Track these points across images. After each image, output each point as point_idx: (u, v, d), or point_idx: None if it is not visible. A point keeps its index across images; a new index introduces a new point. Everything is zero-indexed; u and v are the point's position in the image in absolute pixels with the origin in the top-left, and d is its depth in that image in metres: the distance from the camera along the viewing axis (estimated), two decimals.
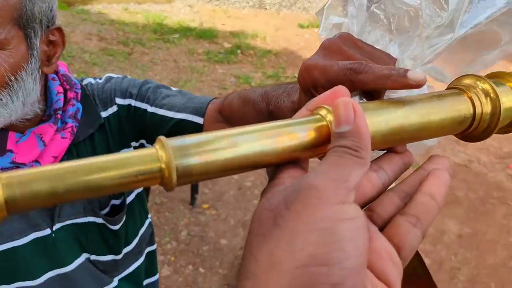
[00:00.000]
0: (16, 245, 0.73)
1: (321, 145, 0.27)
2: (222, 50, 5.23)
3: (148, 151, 0.24)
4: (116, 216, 0.81)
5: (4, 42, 0.62)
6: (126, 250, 0.85)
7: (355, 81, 0.35)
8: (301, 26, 6.67)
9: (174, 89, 0.84)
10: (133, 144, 0.83)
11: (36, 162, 0.71)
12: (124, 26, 5.58)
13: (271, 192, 0.25)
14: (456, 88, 0.34)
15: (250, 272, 0.22)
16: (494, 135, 0.35)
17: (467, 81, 0.34)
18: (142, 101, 0.80)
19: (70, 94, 0.76)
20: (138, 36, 5.28)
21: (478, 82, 0.34)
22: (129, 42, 4.98)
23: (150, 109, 0.79)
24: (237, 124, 0.70)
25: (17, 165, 0.69)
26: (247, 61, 5.07)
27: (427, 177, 0.29)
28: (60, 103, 0.74)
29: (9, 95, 0.64)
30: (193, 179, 0.25)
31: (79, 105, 0.77)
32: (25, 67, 0.65)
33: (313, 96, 0.39)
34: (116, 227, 0.82)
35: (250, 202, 2.66)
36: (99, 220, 0.79)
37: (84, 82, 0.82)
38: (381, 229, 0.28)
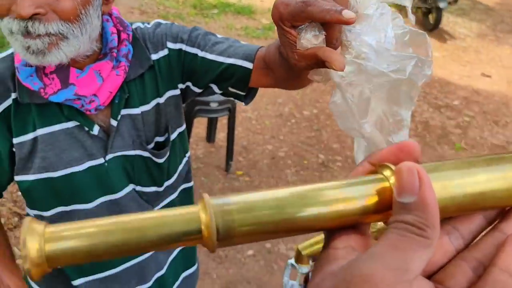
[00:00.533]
0: (73, 171, 0.81)
1: (384, 210, 0.24)
2: (260, 26, 5.24)
3: (190, 209, 0.23)
4: (161, 150, 0.88)
5: None
6: (167, 183, 0.92)
7: (305, 12, 0.45)
8: None
9: (220, 36, 0.89)
10: (180, 86, 0.89)
11: (95, 96, 0.79)
12: (165, 1, 5.67)
13: (322, 274, 0.22)
14: None
15: None
16: None
17: None
18: (192, 46, 0.85)
19: (123, 35, 0.83)
20: (178, 11, 5.37)
21: None
22: (169, 16, 5.08)
23: (201, 53, 0.84)
24: (274, 70, 0.76)
25: (78, 97, 0.77)
26: None
27: (504, 246, 0.23)
28: (115, 43, 0.81)
29: (79, 27, 0.71)
30: (234, 242, 0.23)
31: (130, 47, 0.84)
32: (92, 2, 0.72)
33: (282, 30, 0.49)
34: (161, 160, 0.89)
35: (282, 171, 2.72)
36: (146, 154, 0.87)
37: (133, 26, 0.89)
38: None
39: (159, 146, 0.89)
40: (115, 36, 0.82)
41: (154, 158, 0.88)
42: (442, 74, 4.70)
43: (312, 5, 0.45)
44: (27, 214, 0.85)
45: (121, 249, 0.22)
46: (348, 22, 0.44)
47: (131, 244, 0.22)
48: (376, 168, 0.25)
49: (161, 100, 0.87)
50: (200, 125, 2.96)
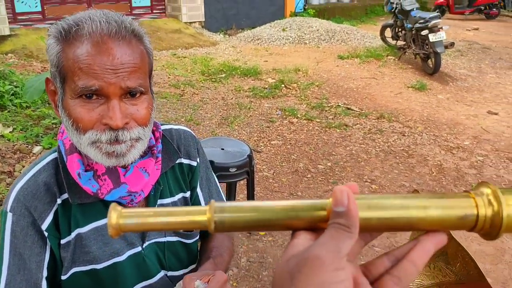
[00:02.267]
0: (116, 261, 0.88)
1: (326, 220, 0.36)
2: (267, 86, 5.46)
3: (204, 208, 0.38)
4: (191, 232, 0.97)
5: (147, 88, 0.80)
6: (193, 266, 1.01)
7: None
8: (341, 57, 6.83)
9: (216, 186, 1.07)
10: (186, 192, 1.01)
11: (141, 190, 0.87)
12: (174, 70, 5.97)
13: (289, 255, 0.35)
14: (467, 192, 0.38)
15: None
16: None
17: (480, 186, 0.38)
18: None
19: (157, 134, 0.93)
20: (187, 78, 5.64)
21: (486, 188, 0.37)
22: (180, 84, 5.33)
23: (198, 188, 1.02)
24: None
25: (130, 193, 0.85)
26: (291, 94, 5.26)
27: (415, 247, 0.36)
28: (153, 141, 0.91)
29: (149, 129, 0.82)
30: (225, 229, 0.37)
31: (160, 144, 0.94)
32: (154, 107, 0.84)
33: None
34: (190, 241, 0.98)
35: None
36: (174, 239, 0.95)
37: (166, 127, 1.00)
38: (372, 283, 0.36)
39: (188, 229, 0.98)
40: (152, 135, 0.91)
41: (183, 240, 0.96)
42: (449, 116, 4.79)
43: None
44: None
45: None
46: None
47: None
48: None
49: (186, 194, 0.98)
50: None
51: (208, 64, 6.34)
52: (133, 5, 8.26)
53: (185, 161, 0.98)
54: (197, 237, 0.99)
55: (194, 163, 1.00)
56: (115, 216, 0.37)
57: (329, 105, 4.91)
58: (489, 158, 3.81)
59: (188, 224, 0.38)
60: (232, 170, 2.37)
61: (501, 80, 6.29)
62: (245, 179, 2.54)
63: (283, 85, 5.48)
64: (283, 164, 3.56)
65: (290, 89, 5.42)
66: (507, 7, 12.75)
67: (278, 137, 4.06)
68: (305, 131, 4.22)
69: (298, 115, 4.57)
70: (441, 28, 5.79)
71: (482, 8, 11.51)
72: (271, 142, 3.93)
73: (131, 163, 0.84)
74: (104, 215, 0.86)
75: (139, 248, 0.91)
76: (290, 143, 3.93)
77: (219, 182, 2.52)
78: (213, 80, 5.63)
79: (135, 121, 0.78)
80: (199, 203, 1.01)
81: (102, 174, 0.83)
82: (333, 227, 0.34)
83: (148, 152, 0.89)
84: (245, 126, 4.26)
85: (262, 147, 3.85)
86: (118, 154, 0.77)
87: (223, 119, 4.40)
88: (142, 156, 0.88)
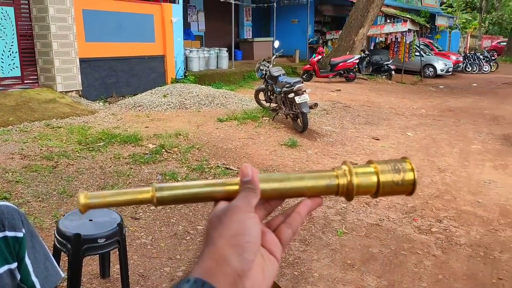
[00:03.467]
0: None
1: (237, 192, 0.50)
2: (147, 151, 5.49)
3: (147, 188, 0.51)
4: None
5: None
6: None
7: None
8: (220, 120, 7.20)
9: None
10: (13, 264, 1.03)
11: None
12: (47, 141, 5.70)
13: (215, 211, 0.49)
14: (333, 168, 0.53)
15: (208, 243, 0.46)
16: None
17: (342, 164, 0.53)
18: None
19: None
20: (62, 149, 5.41)
21: (344, 165, 0.52)
22: (53, 156, 5.09)
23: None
24: None
25: None
26: (172, 158, 5.35)
27: (299, 204, 0.53)
28: None
29: None
30: (164, 203, 0.50)
31: None
32: None
33: None
34: None
35: None
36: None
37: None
38: (273, 231, 0.52)
39: None
40: None
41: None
42: (317, 169, 5.29)
43: None
44: None
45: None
46: None
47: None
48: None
49: (12, 266, 0.99)
50: (93, 261, 2.93)
51: (86, 133, 6.18)
52: (1, 75, 7.78)
53: (10, 234, 1.02)
54: None
55: (20, 234, 1.03)
56: (83, 197, 0.49)
57: (209, 166, 5.10)
58: (351, 204, 4.26)
59: (135, 201, 0.50)
60: (101, 241, 2.34)
61: (359, 134, 7.19)
62: (117, 249, 2.51)
63: (164, 150, 5.56)
64: (162, 229, 3.57)
65: (171, 153, 5.52)
66: (362, 71, 14.81)
67: None
68: None
69: (179, 178, 4.65)
70: (305, 91, 6.51)
71: (342, 72, 13.19)
72: (150, 208, 3.92)
73: None
74: None
75: None
76: (170, 207, 3.96)
77: (89, 255, 2.46)
78: (90, 149, 5.48)
79: None
80: (28, 273, 1.03)
81: None
82: (243, 190, 0.49)
83: None
84: None
85: (140, 214, 3.81)
86: None
87: (100, 188, 4.28)
88: None
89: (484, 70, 20.73)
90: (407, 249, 3.46)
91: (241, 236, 0.45)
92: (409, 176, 0.51)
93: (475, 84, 15.99)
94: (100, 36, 8.88)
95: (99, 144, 5.71)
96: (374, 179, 0.51)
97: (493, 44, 33.45)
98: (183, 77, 10.77)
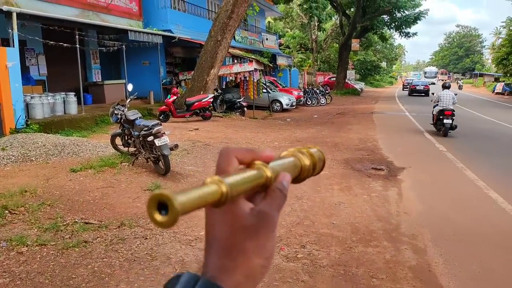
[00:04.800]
0: None
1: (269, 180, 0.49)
2: None
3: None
4: None
5: None
6: None
7: None
8: (74, 171, 6.62)
9: None
10: None
11: None
12: None
13: (244, 210, 0.46)
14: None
15: (240, 252, 0.45)
16: None
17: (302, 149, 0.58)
18: None
19: None
20: None
21: (304, 149, 0.57)
22: None
23: None
24: None
25: None
26: (18, 219, 4.70)
27: (278, 177, 0.50)
28: None
29: None
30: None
31: None
32: None
33: None
34: None
35: None
36: None
37: None
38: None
39: None
40: None
41: None
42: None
43: None
44: None
45: None
46: None
47: None
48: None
49: None
50: None
51: None
52: None
53: None
54: None
55: None
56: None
57: (65, 223, 4.61)
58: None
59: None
60: None
61: None
62: None
63: (7, 211, 4.86)
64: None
65: (16, 214, 4.85)
66: (216, 109, 15.37)
67: (4, 274, 3.51)
68: (38, 259, 3.80)
69: (29, 242, 4.09)
70: (164, 133, 6.45)
71: (198, 111, 13.48)
72: None
73: None
74: None
75: None
76: (20, 278, 3.44)
77: None
78: None
79: None
80: None
81: None
82: (281, 196, 0.48)
83: None
84: None
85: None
86: None
87: None
88: None
89: (321, 103, 23.45)
90: (278, 279, 3.60)
91: (270, 259, 0.47)
92: (321, 155, 0.60)
93: (316, 116, 17.93)
94: None
95: None
96: (307, 161, 0.57)
97: (325, 79, 38.37)
98: (24, 126, 9.70)
